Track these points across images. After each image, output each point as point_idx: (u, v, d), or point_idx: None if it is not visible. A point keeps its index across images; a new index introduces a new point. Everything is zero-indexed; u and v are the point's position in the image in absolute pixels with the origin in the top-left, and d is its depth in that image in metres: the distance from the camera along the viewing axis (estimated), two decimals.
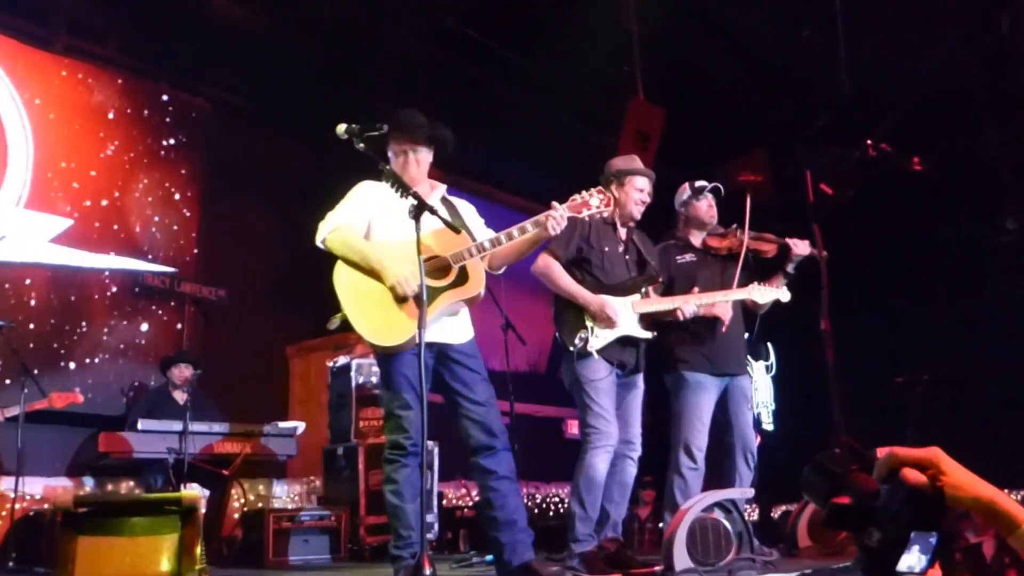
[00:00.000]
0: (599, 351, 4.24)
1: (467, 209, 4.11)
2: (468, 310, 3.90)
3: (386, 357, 3.71)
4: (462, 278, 3.72)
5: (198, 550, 2.54)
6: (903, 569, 1.18)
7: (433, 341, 3.70)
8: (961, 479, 1.21)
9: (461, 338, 3.84)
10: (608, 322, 4.22)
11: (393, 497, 3.65)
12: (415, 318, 3.53)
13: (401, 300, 3.62)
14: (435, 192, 4.00)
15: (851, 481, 1.26)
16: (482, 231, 3.99)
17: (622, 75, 6.95)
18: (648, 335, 4.40)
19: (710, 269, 4.77)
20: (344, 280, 3.70)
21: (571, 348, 4.24)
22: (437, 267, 3.70)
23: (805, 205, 6.15)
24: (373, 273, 3.67)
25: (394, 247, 3.69)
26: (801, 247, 4.75)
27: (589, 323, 4.26)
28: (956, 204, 7.81)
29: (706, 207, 4.88)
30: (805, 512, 4.92)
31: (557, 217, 3.71)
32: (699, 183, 4.93)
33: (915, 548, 1.18)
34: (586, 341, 4.22)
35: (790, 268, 4.77)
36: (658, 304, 4.41)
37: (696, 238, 4.89)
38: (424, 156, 3.97)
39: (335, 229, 3.76)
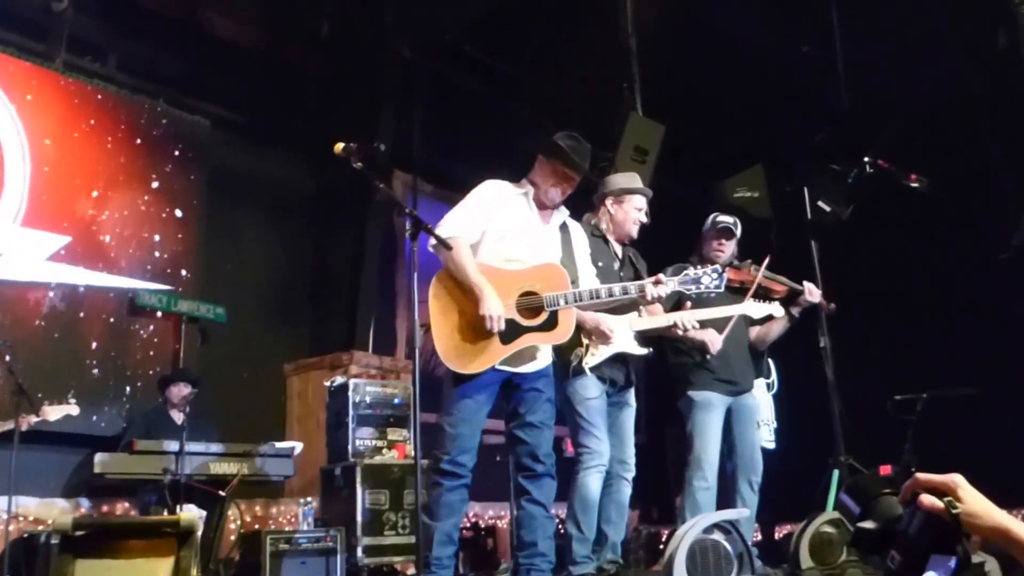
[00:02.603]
0: (592, 369, 4.23)
1: (580, 241, 4.13)
2: None
3: (457, 378, 3.73)
4: (551, 323, 3.75)
5: (194, 572, 2.51)
6: None
7: (505, 369, 3.74)
8: (978, 507, 1.24)
9: (536, 367, 3.87)
10: (604, 338, 4.21)
11: (423, 514, 3.67)
12: (497, 351, 3.64)
13: (488, 330, 3.63)
14: (556, 215, 4.03)
15: (878, 505, 1.29)
16: (586, 267, 4.03)
17: (621, 90, 6.95)
18: (644, 351, 4.39)
19: (719, 300, 4.77)
20: (440, 293, 3.71)
21: (566, 365, 4.23)
22: (529, 305, 3.72)
23: (803, 221, 6.15)
24: (470, 293, 3.67)
25: (497, 277, 3.71)
26: (813, 295, 4.87)
27: (585, 340, 4.25)
28: (957, 220, 7.81)
29: (715, 245, 4.94)
30: (807, 532, 4.88)
31: (659, 292, 3.85)
32: (722, 219, 4.98)
33: (935, 570, 1.19)
34: (581, 358, 4.22)
35: (795, 311, 4.89)
36: (655, 321, 4.41)
37: None
38: (563, 171, 3.96)
39: (450, 238, 3.70)
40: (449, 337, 3.65)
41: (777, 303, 4.76)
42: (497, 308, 3.62)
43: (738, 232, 5.01)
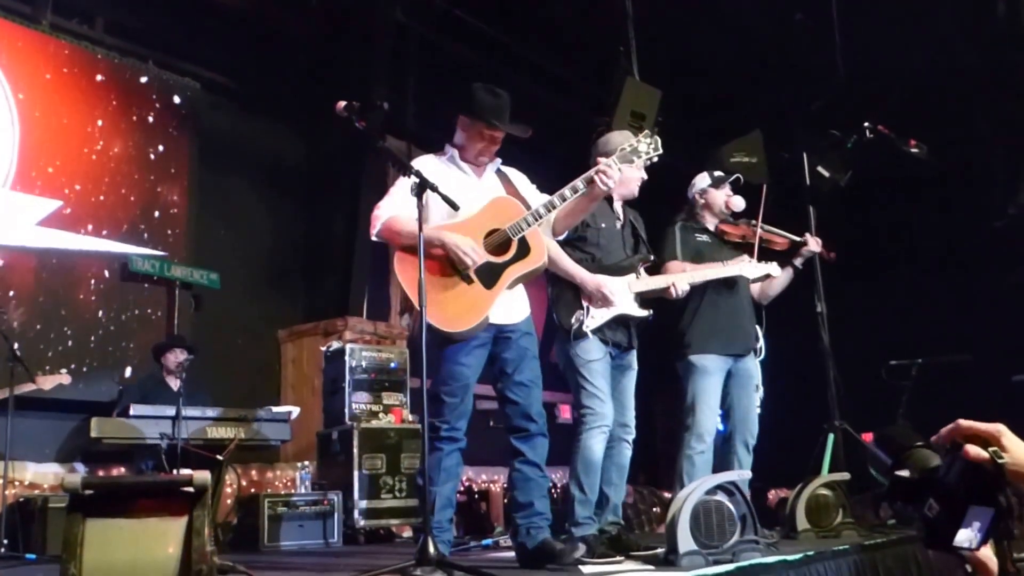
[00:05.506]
0: (594, 331, 4.22)
1: (519, 178, 4.04)
2: (523, 286, 3.86)
3: (444, 344, 3.66)
4: (523, 250, 3.69)
5: (207, 532, 2.49)
6: (960, 542, 1.19)
7: (492, 322, 3.69)
8: (1023, 456, 1.21)
9: (518, 317, 3.82)
10: (604, 302, 4.20)
11: (419, 478, 3.66)
12: (486, 298, 3.59)
13: (467, 281, 3.59)
14: (489, 167, 3.95)
15: (914, 454, 1.28)
16: (536, 198, 3.92)
17: (616, 55, 6.89)
18: (644, 313, 4.38)
19: (722, 254, 4.84)
20: (406, 271, 3.61)
21: (567, 328, 4.23)
22: (497, 242, 3.66)
23: (802, 187, 6.15)
24: (433, 256, 3.59)
25: (454, 230, 3.64)
26: (813, 245, 4.95)
27: (585, 303, 4.24)
28: (953, 186, 7.85)
29: (724, 197, 4.97)
30: (803, 495, 4.94)
31: (607, 171, 3.68)
32: (718, 173, 5.03)
33: (972, 522, 1.18)
34: (582, 322, 4.21)
35: (798, 262, 4.95)
36: (654, 283, 4.40)
37: (710, 223, 5.00)
38: (490, 135, 3.83)
39: (384, 221, 3.68)
40: (436, 306, 3.55)
41: (775, 263, 4.79)
42: (466, 241, 3.57)
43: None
